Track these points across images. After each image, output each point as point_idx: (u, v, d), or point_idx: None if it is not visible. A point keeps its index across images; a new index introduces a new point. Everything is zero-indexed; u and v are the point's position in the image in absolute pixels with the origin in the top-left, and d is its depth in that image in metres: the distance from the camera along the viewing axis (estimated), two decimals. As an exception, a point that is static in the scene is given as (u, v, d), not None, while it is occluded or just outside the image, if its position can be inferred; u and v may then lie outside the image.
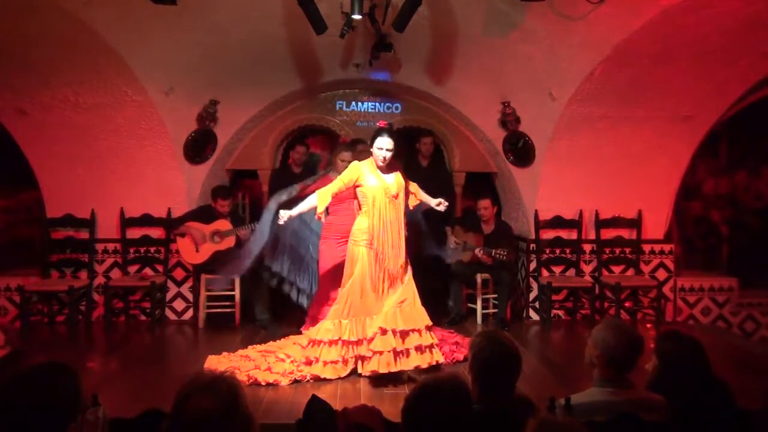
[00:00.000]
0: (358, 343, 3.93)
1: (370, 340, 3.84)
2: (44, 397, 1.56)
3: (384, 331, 3.81)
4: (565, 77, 5.06)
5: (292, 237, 4.81)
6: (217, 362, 4.11)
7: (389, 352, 3.78)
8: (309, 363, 3.96)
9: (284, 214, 3.95)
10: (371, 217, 3.95)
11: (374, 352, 3.81)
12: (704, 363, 2.32)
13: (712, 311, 5.93)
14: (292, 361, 4.02)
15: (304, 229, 4.86)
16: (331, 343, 3.95)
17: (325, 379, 3.90)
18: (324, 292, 4.59)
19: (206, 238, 5.33)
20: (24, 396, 1.54)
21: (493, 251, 5.28)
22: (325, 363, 3.94)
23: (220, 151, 5.78)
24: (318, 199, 3.93)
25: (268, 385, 3.80)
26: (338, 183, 4.01)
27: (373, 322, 3.89)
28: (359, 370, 3.94)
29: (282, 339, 4.62)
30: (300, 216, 4.25)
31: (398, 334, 3.83)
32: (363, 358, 3.90)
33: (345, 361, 3.97)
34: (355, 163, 4.12)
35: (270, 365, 3.98)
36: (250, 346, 4.45)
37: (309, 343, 4.04)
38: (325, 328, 4.01)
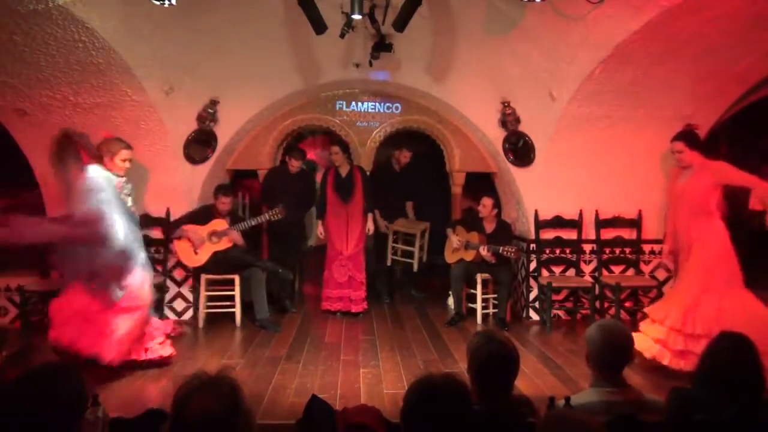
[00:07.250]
0: None
1: None
2: (52, 398, 1.55)
3: None
4: (565, 77, 5.06)
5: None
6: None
7: None
8: None
9: None
10: None
11: None
12: (752, 373, 2.05)
13: (712, 311, 5.90)
14: None
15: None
16: None
17: None
18: None
19: (204, 239, 5.33)
20: (32, 396, 1.54)
21: (501, 248, 5.27)
22: None
23: (220, 151, 5.78)
24: None
25: None
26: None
27: None
28: None
29: None
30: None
31: None
32: None
33: None
34: None
35: None
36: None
37: None
38: None
